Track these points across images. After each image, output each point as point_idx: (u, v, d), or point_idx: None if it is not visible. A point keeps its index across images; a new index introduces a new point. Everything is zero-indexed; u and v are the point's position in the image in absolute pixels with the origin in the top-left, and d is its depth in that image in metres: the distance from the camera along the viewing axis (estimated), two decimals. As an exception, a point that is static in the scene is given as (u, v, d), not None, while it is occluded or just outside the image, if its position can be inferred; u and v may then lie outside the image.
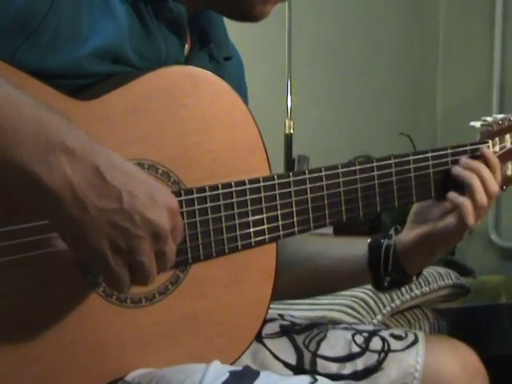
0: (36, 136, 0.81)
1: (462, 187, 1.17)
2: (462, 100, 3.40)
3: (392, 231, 1.23)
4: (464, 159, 1.20)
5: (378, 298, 1.97)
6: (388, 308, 1.98)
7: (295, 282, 1.26)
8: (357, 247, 1.24)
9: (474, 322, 2.73)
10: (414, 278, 1.23)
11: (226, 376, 0.94)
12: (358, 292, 1.96)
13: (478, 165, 1.18)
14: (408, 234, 1.21)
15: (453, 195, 1.16)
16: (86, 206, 0.83)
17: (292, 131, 2.53)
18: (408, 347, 1.17)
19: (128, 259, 0.86)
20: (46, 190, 0.82)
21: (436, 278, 2.24)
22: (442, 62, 3.53)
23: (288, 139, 2.53)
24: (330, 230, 2.57)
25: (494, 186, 1.17)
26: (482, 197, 1.15)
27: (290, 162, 2.51)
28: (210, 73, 1.05)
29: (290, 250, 1.22)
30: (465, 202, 1.15)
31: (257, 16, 1.13)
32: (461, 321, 2.62)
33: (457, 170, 1.19)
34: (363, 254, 1.23)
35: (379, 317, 1.93)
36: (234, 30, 1.25)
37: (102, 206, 0.83)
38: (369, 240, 1.23)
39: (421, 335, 1.20)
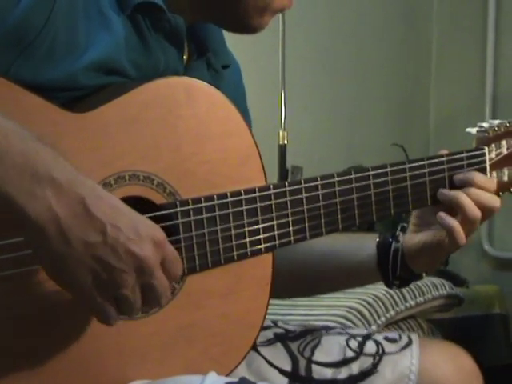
0: (22, 168, 0.81)
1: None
2: (454, 111, 3.41)
3: (399, 231, 1.21)
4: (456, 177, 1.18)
5: (372, 308, 1.97)
6: (383, 318, 1.99)
7: (299, 280, 1.26)
8: (365, 248, 1.22)
9: (468, 332, 2.74)
10: (424, 274, 1.21)
11: (222, 388, 0.94)
12: (352, 303, 1.96)
13: (468, 178, 1.16)
14: (413, 238, 1.19)
15: (441, 216, 1.14)
16: (70, 241, 0.82)
17: (286, 142, 2.53)
18: (402, 349, 1.17)
19: (111, 292, 0.86)
20: (30, 223, 0.81)
21: (430, 288, 2.24)
22: (435, 72, 3.54)
23: (282, 150, 2.52)
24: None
25: (486, 197, 1.15)
26: (472, 211, 1.13)
27: (283, 173, 2.51)
28: (205, 83, 1.05)
29: (299, 249, 1.19)
30: (453, 223, 1.12)
31: (254, 28, 1.13)
32: (454, 331, 2.62)
33: (442, 193, 1.16)
34: (372, 256, 1.21)
35: (374, 327, 1.93)
36: (228, 41, 1.25)
37: (86, 240, 0.83)
38: (377, 240, 1.22)
39: (414, 337, 1.20)
